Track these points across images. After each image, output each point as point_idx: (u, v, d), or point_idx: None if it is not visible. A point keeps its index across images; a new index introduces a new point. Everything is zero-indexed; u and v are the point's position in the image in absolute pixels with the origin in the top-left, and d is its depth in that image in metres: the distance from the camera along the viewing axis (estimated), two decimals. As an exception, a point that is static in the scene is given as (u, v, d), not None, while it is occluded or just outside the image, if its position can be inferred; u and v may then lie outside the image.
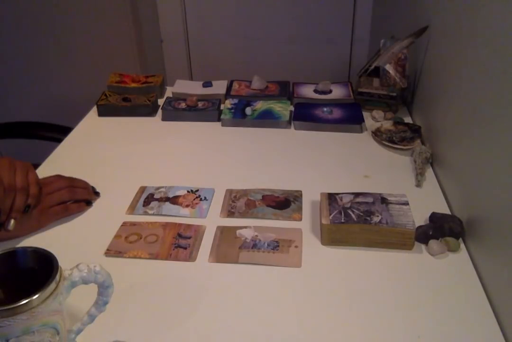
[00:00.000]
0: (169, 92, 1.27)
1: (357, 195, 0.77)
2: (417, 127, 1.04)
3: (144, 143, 1.04)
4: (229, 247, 0.73)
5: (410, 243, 0.71)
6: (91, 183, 0.85)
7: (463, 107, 0.81)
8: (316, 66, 2.05)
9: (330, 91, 1.23)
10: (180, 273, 0.68)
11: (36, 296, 0.43)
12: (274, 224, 0.78)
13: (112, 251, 0.72)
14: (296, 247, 0.73)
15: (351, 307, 0.62)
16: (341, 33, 2.00)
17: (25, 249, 0.50)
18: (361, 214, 0.73)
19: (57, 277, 0.46)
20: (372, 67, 1.12)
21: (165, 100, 1.18)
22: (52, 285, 0.45)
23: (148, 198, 0.84)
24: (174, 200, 0.84)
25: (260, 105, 1.15)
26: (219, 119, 1.12)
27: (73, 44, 2.00)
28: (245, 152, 1.00)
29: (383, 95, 1.12)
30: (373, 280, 0.67)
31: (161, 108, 1.15)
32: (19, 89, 2.11)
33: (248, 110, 1.11)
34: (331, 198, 0.77)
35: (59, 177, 0.81)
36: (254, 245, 0.73)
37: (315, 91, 1.23)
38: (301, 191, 0.86)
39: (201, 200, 0.84)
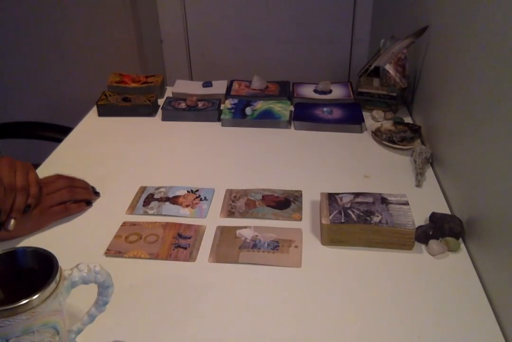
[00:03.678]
0: (169, 92, 1.27)
1: (357, 195, 0.77)
2: (417, 127, 1.04)
3: (144, 143, 1.04)
4: (229, 247, 0.73)
5: (410, 243, 0.71)
6: (91, 183, 0.85)
7: (463, 107, 0.81)
8: (316, 66, 2.05)
9: (330, 91, 1.23)
10: (180, 273, 0.68)
11: (36, 296, 0.43)
12: (274, 224, 0.78)
13: (112, 251, 0.72)
14: (296, 247, 0.73)
15: (351, 307, 0.62)
16: (341, 33, 2.00)
17: (25, 249, 0.50)
18: (361, 214, 0.73)
19: (57, 277, 0.46)
20: (372, 67, 1.12)
21: (165, 100, 1.18)
22: (52, 285, 0.45)
23: (148, 198, 0.84)
24: (174, 200, 0.84)
25: (260, 105, 1.15)
26: (219, 119, 1.12)
27: (73, 44, 2.00)
28: (245, 152, 1.00)
29: (383, 95, 1.12)
30: (373, 280, 0.67)
31: (161, 108, 1.15)
32: (19, 89, 2.11)
33: (248, 110, 1.11)
34: (331, 198, 0.77)
35: (59, 177, 0.81)
36: (254, 245, 0.73)
37: (315, 91, 1.23)
38: (301, 191, 0.86)
39: (201, 200, 0.84)
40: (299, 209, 0.81)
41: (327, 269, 0.69)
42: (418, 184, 0.87)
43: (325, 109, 1.12)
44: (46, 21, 1.96)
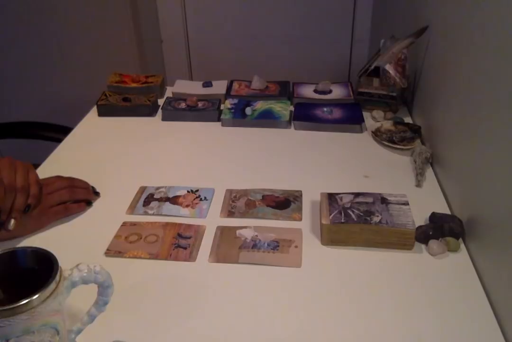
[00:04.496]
0: (169, 92, 1.27)
1: (357, 195, 0.77)
2: (417, 127, 1.04)
3: (144, 143, 1.04)
4: (229, 247, 0.73)
5: (410, 243, 0.71)
6: (91, 183, 0.85)
7: (463, 107, 0.81)
8: (316, 66, 2.05)
9: (330, 91, 1.23)
10: (180, 273, 0.68)
11: (36, 296, 0.43)
12: (274, 224, 0.78)
13: (112, 251, 0.72)
14: (296, 247, 0.73)
15: (351, 307, 0.62)
16: (341, 33, 2.00)
17: (25, 249, 0.50)
18: (361, 214, 0.73)
19: (57, 277, 0.46)
20: (372, 67, 1.12)
21: (165, 100, 1.18)
22: (52, 285, 0.45)
23: (148, 198, 0.84)
24: (174, 200, 0.84)
25: (260, 105, 1.15)
26: (219, 119, 1.12)
27: (73, 44, 2.00)
28: (245, 152, 1.00)
29: (383, 95, 1.12)
30: (373, 280, 0.67)
31: (161, 108, 1.15)
32: (19, 89, 2.11)
33: (248, 110, 1.11)
34: (331, 198, 0.77)
35: (59, 178, 0.82)
36: (254, 245, 0.73)
37: (315, 91, 1.23)
38: (301, 191, 0.86)
39: (201, 200, 0.84)
40: (299, 209, 0.81)
41: (327, 269, 0.69)
42: (418, 184, 0.87)
43: (325, 109, 1.12)
44: (46, 21, 1.96)
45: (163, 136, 1.07)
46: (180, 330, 0.59)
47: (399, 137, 1.01)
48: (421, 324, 0.60)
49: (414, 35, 1.07)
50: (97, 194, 0.85)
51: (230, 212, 0.81)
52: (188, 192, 0.86)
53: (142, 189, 0.87)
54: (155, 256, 0.71)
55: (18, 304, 0.42)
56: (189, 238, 0.75)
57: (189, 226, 0.78)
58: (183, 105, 1.15)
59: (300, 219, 0.79)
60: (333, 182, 0.89)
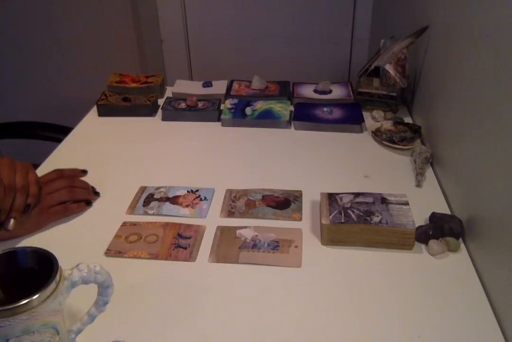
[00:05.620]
0: (169, 92, 1.27)
1: (357, 195, 0.77)
2: (417, 127, 1.04)
3: (144, 143, 1.04)
4: (229, 247, 0.73)
5: (410, 243, 0.71)
6: (91, 183, 0.85)
7: (463, 107, 0.81)
8: (316, 66, 2.05)
9: (330, 91, 1.23)
10: (180, 273, 0.68)
11: (36, 296, 0.43)
12: (274, 224, 0.78)
13: (112, 251, 0.72)
14: (296, 247, 0.73)
15: (351, 307, 0.62)
16: (341, 33, 2.00)
17: (25, 249, 0.50)
18: (361, 214, 0.73)
19: (57, 277, 0.46)
20: (372, 67, 1.12)
21: (165, 100, 1.18)
22: (52, 285, 0.45)
23: (148, 198, 0.84)
24: (174, 200, 0.84)
25: (260, 105, 1.15)
26: (219, 119, 1.12)
27: (73, 44, 2.00)
28: (245, 152, 1.00)
29: (383, 95, 1.12)
30: (373, 280, 0.67)
31: (161, 108, 1.15)
32: (19, 89, 2.11)
33: (248, 110, 1.11)
34: (331, 198, 0.77)
35: (58, 174, 0.82)
36: (254, 245, 0.73)
37: (315, 91, 1.23)
38: (301, 191, 0.86)
39: (201, 200, 0.84)
40: (299, 209, 0.81)
41: (327, 269, 0.69)
42: (418, 184, 0.87)
43: (325, 109, 1.12)
44: (46, 21, 1.96)
45: (163, 136, 1.07)
46: (180, 330, 0.59)
47: (399, 137, 1.01)
48: (421, 324, 0.60)
49: (414, 35, 1.07)
50: (97, 194, 0.85)
51: (230, 212, 0.81)
52: (188, 192, 0.86)
53: (142, 189, 0.87)
54: (155, 256, 0.71)
55: (18, 304, 0.42)
56: (189, 238, 0.75)
57: (189, 226, 0.78)
58: (183, 105, 1.15)
59: (300, 219, 0.79)
60: (333, 182, 0.89)
